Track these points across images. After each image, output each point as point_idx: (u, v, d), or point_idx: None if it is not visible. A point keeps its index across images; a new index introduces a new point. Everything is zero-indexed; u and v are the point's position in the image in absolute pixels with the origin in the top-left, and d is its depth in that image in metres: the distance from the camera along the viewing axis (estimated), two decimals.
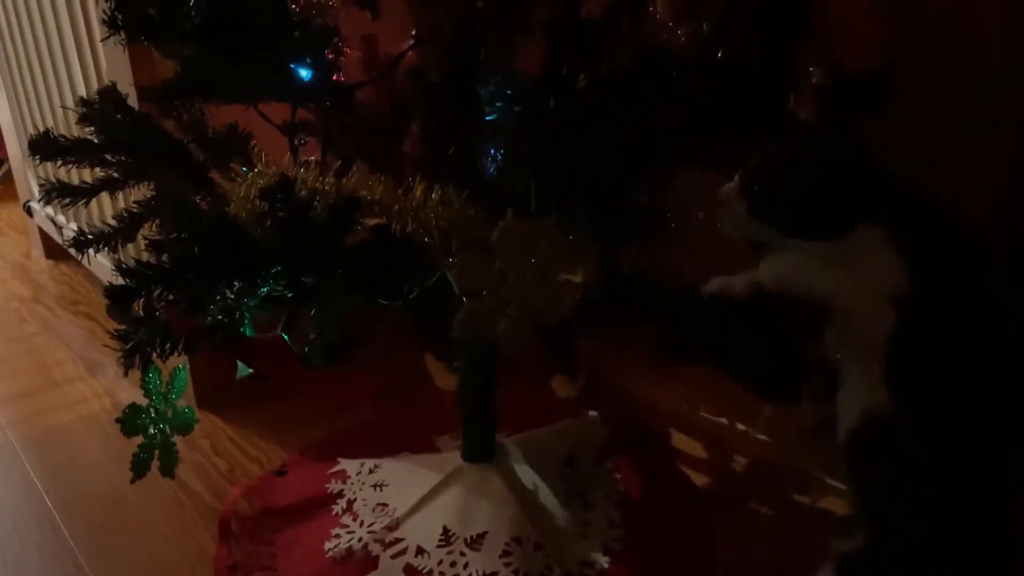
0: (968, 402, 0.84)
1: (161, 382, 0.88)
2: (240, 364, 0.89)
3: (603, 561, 1.17)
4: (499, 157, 0.81)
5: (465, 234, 0.82)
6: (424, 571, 1.14)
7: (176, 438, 0.93)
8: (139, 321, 0.82)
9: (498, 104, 0.77)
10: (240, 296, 0.73)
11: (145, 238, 1.03)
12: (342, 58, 1.05)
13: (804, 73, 0.95)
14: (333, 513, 1.26)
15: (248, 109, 0.98)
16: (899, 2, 1.21)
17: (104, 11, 0.86)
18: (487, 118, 0.79)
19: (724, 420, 1.47)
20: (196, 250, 0.72)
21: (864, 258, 0.82)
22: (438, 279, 0.88)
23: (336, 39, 0.99)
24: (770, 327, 0.91)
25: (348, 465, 1.36)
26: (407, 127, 1.07)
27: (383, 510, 1.25)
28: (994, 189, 1.17)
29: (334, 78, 1.03)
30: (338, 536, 1.21)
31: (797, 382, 0.91)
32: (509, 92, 0.75)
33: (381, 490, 1.30)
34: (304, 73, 0.87)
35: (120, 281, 0.80)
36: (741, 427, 1.44)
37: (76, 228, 1.04)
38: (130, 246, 1.07)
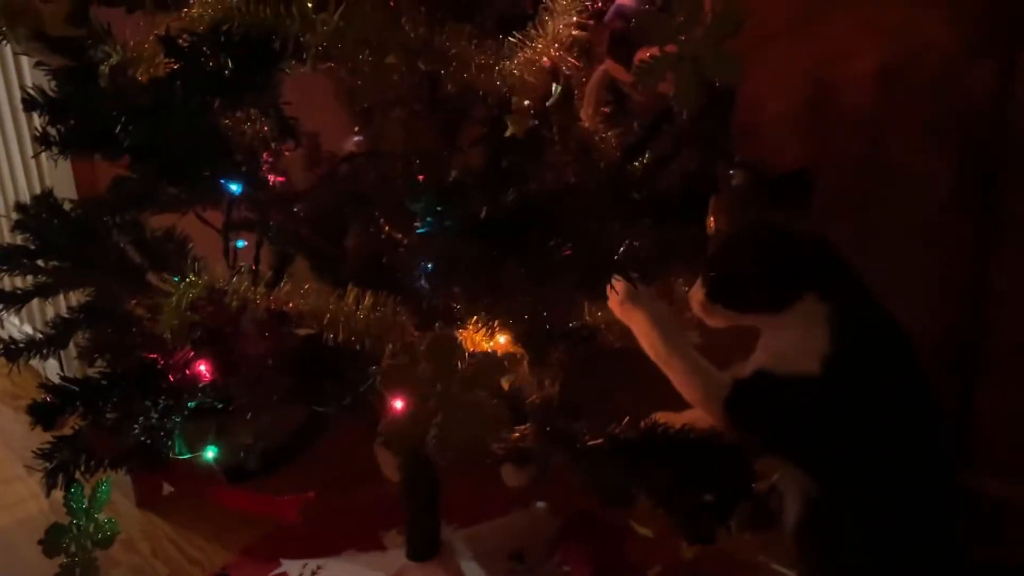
0: (891, 469, 0.88)
1: (84, 497, 0.86)
2: (165, 483, 0.88)
3: None
4: (429, 270, 0.82)
5: (396, 341, 0.83)
6: None
7: (97, 552, 0.91)
8: (63, 440, 0.81)
9: (428, 219, 0.78)
10: (165, 415, 0.72)
11: (77, 345, 1.03)
12: (282, 159, 1.07)
13: (724, 177, 0.99)
14: None
15: (186, 213, 0.99)
16: (821, 107, 1.28)
17: (36, 128, 0.87)
18: (419, 231, 0.81)
19: None
20: (120, 371, 0.71)
21: (801, 326, 0.89)
22: (371, 385, 0.89)
23: (271, 145, 1.00)
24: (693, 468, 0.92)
25: (290, 567, 1.33)
26: (348, 222, 1.09)
27: None
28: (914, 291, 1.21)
29: (271, 181, 1.04)
30: None
31: (723, 519, 0.92)
32: (439, 208, 0.77)
33: None
34: (235, 187, 0.88)
35: (43, 397, 0.79)
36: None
37: (9, 336, 1.03)
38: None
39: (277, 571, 1.33)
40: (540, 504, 1.46)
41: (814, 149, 1.32)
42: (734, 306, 0.93)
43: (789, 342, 0.91)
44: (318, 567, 1.32)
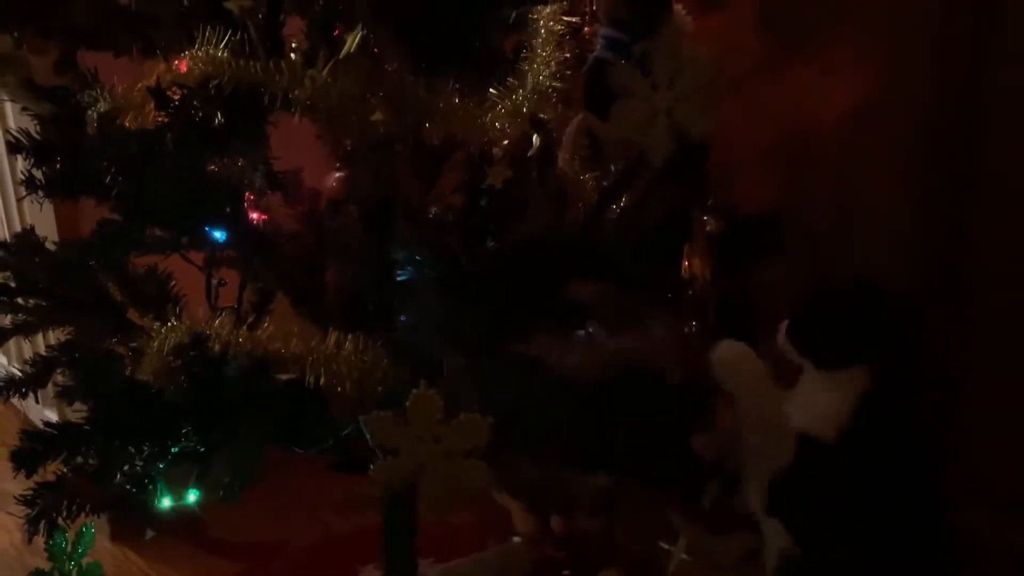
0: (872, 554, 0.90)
1: (67, 542, 0.86)
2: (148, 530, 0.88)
3: None
4: (405, 320, 0.84)
5: (377, 385, 0.84)
6: None
7: None
8: (45, 486, 0.81)
9: (408, 268, 0.80)
10: (150, 461, 0.73)
11: (56, 385, 1.03)
12: (265, 198, 1.08)
13: (699, 223, 1.02)
14: None
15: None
16: (790, 151, 1.32)
17: (22, 171, 0.88)
18: (399, 278, 0.83)
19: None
20: (105, 415, 0.72)
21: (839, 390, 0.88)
22: (355, 428, 0.90)
23: (255, 187, 1.02)
24: (673, 436, 0.96)
25: None
26: (330, 261, 1.11)
27: None
28: None
29: (254, 219, 1.06)
30: None
31: (700, 485, 0.97)
32: (419, 258, 0.79)
33: None
34: (219, 235, 0.90)
35: (25, 443, 0.79)
36: (665, 546, 1.46)
37: None
38: None
39: None
40: (516, 539, 1.47)
41: (786, 189, 1.35)
42: (819, 362, 0.91)
43: (818, 400, 0.90)
44: None
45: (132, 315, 1.02)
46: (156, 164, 0.78)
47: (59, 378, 1.02)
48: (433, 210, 0.96)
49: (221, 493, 1.01)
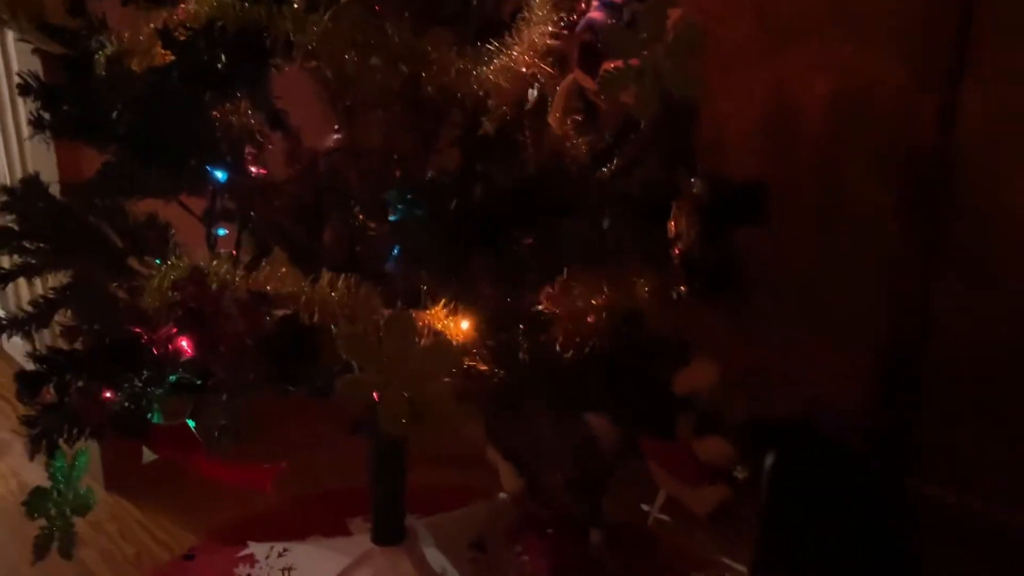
0: None
1: (66, 464, 0.90)
2: (146, 450, 0.92)
3: None
4: (397, 255, 0.88)
5: (367, 321, 0.87)
6: None
7: (75, 520, 0.95)
8: (48, 407, 0.85)
9: (400, 207, 0.83)
10: (148, 384, 0.77)
11: (60, 324, 1.06)
12: (265, 152, 1.12)
13: (686, 184, 1.05)
14: None
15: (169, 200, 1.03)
16: (777, 127, 1.35)
17: (31, 112, 0.91)
18: (391, 219, 0.86)
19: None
20: (106, 340, 0.75)
21: None
22: (344, 367, 0.93)
23: (256, 138, 1.05)
24: (648, 374, 1.01)
25: (257, 549, 1.37)
26: (327, 218, 1.14)
27: None
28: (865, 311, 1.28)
29: (255, 172, 1.09)
30: None
31: (672, 419, 1.02)
32: (410, 197, 0.82)
33: (289, 574, 1.30)
34: (220, 175, 0.93)
35: (31, 366, 0.82)
36: (644, 507, 1.50)
37: None
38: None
39: (243, 553, 1.36)
40: (502, 495, 1.51)
41: (772, 167, 1.39)
42: None
43: None
44: (284, 550, 1.36)
45: (132, 263, 1.06)
46: (161, 103, 0.81)
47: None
48: (429, 163, 0.99)
49: (216, 435, 1.05)
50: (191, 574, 1.33)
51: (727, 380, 1.06)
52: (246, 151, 1.07)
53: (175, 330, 0.83)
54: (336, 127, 1.17)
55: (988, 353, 1.18)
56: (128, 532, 1.44)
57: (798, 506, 1.07)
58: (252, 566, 1.33)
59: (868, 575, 0.99)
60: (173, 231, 1.14)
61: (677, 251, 1.06)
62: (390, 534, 1.30)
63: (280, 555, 1.35)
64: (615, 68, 0.86)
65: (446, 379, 0.82)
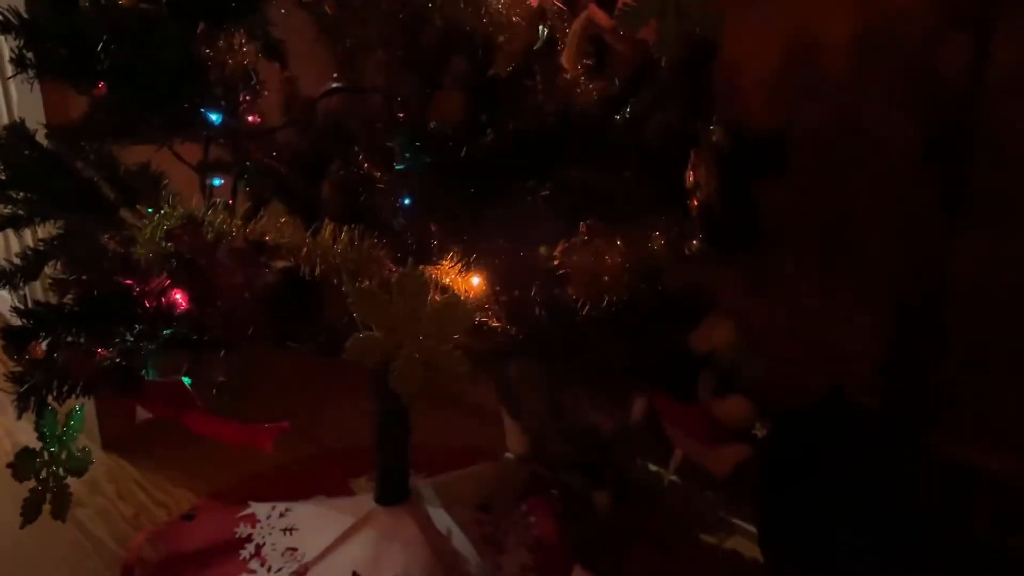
0: None
1: (57, 424, 0.86)
2: (139, 408, 0.88)
3: None
4: (406, 205, 0.83)
5: (372, 276, 0.83)
6: None
7: (71, 480, 0.92)
8: (36, 363, 0.81)
9: (407, 155, 0.79)
10: (140, 339, 0.72)
11: (49, 277, 1.01)
12: (261, 99, 1.06)
13: (704, 132, 1.00)
14: (241, 558, 1.24)
15: (161, 148, 0.98)
16: (795, 69, 1.29)
17: (12, 49, 0.85)
18: (397, 167, 0.81)
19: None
20: (96, 293, 0.71)
21: None
22: (348, 323, 0.89)
23: (252, 82, 1.00)
24: (665, 332, 0.98)
25: (258, 508, 1.34)
26: (326, 170, 1.09)
27: (292, 555, 1.23)
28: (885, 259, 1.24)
29: (250, 120, 1.04)
30: None
31: (693, 380, 1.00)
32: (418, 144, 0.77)
33: (291, 534, 1.28)
34: (214, 117, 0.88)
35: (18, 321, 0.78)
36: (653, 468, 1.47)
37: None
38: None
39: (244, 512, 1.34)
40: (508, 455, 1.48)
41: (789, 113, 1.33)
42: None
43: None
44: (286, 509, 1.33)
45: (125, 215, 1.01)
46: (150, 37, 0.75)
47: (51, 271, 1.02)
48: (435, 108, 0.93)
49: (214, 392, 1.01)
50: (190, 534, 1.30)
51: (746, 338, 1.02)
52: (242, 97, 1.02)
53: (168, 282, 0.79)
54: (335, 76, 1.12)
55: (1012, 303, 1.14)
56: (126, 492, 1.42)
57: (802, 465, 1.03)
58: (253, 526, 1.30)
59: (875, 535, 0.96)
60: (167, 181, 1.10)
61: (695, 203, 1.01)
62: (394, 494, 1.27)
63: (282, 515, 1.32)
64: (635, 1, 0.81)
65: (458, 337, 0.79)
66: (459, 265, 0.80)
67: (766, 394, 1.06)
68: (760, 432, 1.10)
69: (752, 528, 1.32)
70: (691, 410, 1.00)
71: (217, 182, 1.11)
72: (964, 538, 1.15)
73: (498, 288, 0.83)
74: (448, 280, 0.83)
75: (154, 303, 0.77)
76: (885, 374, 1.23)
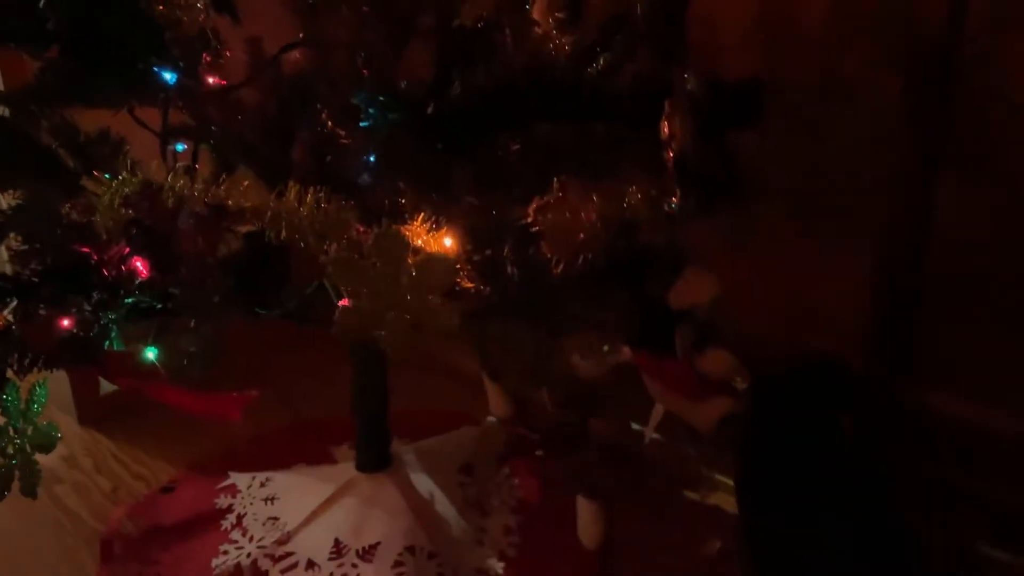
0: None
1: (20, 399, 0.83)
2: (103, 380, 0.86)
3: (498, 567, 1.17)
4: (373, 164, 0.80)
5: (340, 238, 0.81)
6: None
7: (49, 456, 0.90)
8: None
9: (372, 111, 0.76)
10: (100, 309, 0.70)
11: (10, 249, 0.98)
12: (223, 61, 1.03)
13: (679, 81, 0.98)
14: (222, 529, 1.23)
15: (118, 112, 0.95)
16: (775, 26, 1.27)
17: None
18: (362, 124, 0.78)
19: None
20: (53, 262, 0.68)
21: None
22: (317, 288, 0.87)
23: (212, 42, 0.96)
24: (642, 288, 0.98)
25: (238, 479, 1.33)
26: (295, 132, 1.06)
27: (274, 524, 1.22)
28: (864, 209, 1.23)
29: (211, 81, 1.00)
30: (226, 552, 1.18)
31: (669, 335, 0.99)
32: (382, 99, 0.75)
33: (272, 503, 1.27)
34: (169, 77, 0.84)
35: None
36: (635, 427, 1.47)
37: None
38: None
39: (224, 483, 1.32)
40: (491, 419, 1.48)
41: (766, 63, 1.31)
42: None
43: None
44: (267, 479, 1.32)
45: (86, 183, 0.98)
46: None
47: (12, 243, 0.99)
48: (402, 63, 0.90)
49: (185, 362, 0.99)
50: (170, 506, 1.29)
51: (723, 293, 1.01)
52: (202, 57, 0.98)
53: (128, 250, 0.76)
54: (300, 36, 1.08)
55: (991, 253, 1.13)
56: (104, 466, 1.40)
57: (780, 427, 1.02)
58: (234, 496, 1.29)
59: (847, 493, 0.95)
60: (128, 147, 1.06)
61: (670, 155, 0.99)
62: (375, 460, 1.26)
63: (262, 485, 1.31)
64: None
65: (442, 295, 0.77)
66: (429, 224, 0.78)
67: (745, 350, 1.05)
68: (741, 386, 1.10)
69: (729, 480, 1.32)
70: (673, 365, 0.99)
71: (180, 148, 1.08)
72: (945, 493, 1.16)
73: (470, 247, 0.81)
74: (420, 241, 0.81)
75: (113, 271, 0.75)
76: (866, 328, 1.23)
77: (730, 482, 1.34)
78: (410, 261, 0.74)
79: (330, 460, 1.38)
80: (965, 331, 1.19)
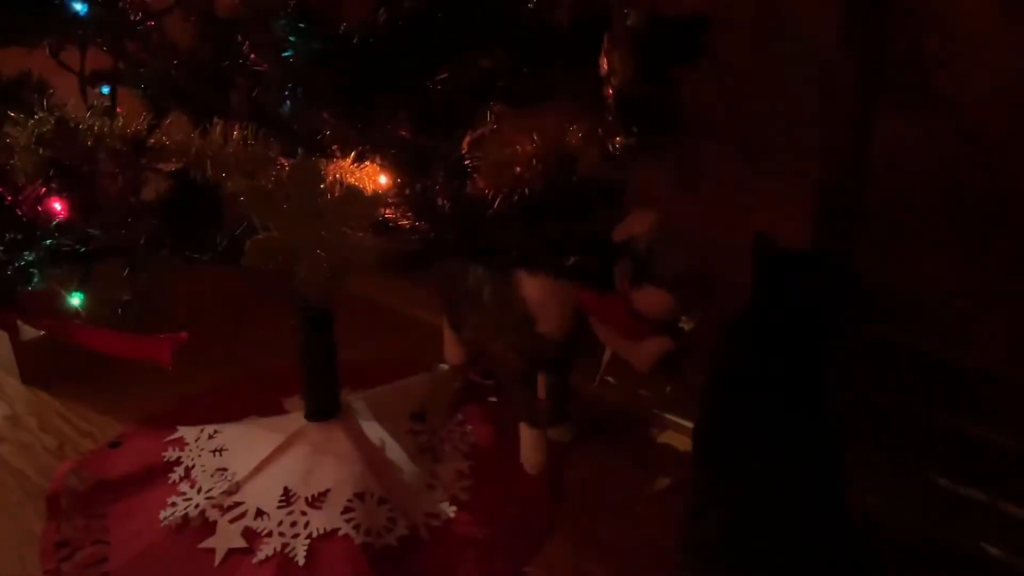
0: None
1: None
2: (22, 324, 0.83)
3: (449, 511, 1.18)
4: (295, 96, 0.78)
5: (266, 174, 0.78)
6: (263, 533, 1.11)
7: None
8: None
9: (292, 39, 0.73)
10: (11, 251, 0.67)
11: None
12: None
13: (618, 15, 0.96)
14: (170, 482, 1.21)
15: (33, 50, 0.91)
16: None
17: None
18: (284, 55, 0.75)
19: None
20: None
21: None
22: (247, 228, 0.85)
23: None
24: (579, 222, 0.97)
25: (187, 432, 1.31)
26: (232, 76, 1.02)
27: (222, 475, 1.21)
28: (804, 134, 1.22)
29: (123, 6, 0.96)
30: (174, 504, 1.16)
31: (608, 268, 0.99)
32: (302, 25, 0.72)
33: (221, 455, 1.25)
34: (79, 8, 0.81)
35: None
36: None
37: None
38: None
39: (172, 437, 1.31)
40: (442, 366, 1.47)
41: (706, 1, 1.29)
42: None
43: None
44: (215, 431, 1.30)
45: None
46: None
47: None
48: None
49: (119, 311, 0.96)
50: (117, 461, 1.27)
51: (664, 227, 1.00)
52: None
53: (44, 190, 0.73)
54: None
55: (930, 180, 1.14)
56: (48, 424, 1.37)
57: (747, 361, 1.02)
58: (182, 449, 1.28)
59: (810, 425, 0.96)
60: (52, 91, 1.02)
61: (610, 91, 0.97)
62: (324, 409, 1.25)
63: (211, 437, 1.29)
64: None
65: (361, 233, 0.75)
66: (353, 156, 0.76)
67: (691, 286, 1.04)
68: (687, 326, 1.10)
69: (689, 423, 1.33)
70: (614, 303, 0.99)
71: (106, 90, 1.04)
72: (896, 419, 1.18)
73: (401, 181, 0.79)
74: (349, 175, 0.79)
75: (29, 212, 0.72)
76: None
77: (683, 421, 1.35)
78: (329, 194, 0.72)
79: (281, 411, 1.37)
80: (902, 261, 1.20)
